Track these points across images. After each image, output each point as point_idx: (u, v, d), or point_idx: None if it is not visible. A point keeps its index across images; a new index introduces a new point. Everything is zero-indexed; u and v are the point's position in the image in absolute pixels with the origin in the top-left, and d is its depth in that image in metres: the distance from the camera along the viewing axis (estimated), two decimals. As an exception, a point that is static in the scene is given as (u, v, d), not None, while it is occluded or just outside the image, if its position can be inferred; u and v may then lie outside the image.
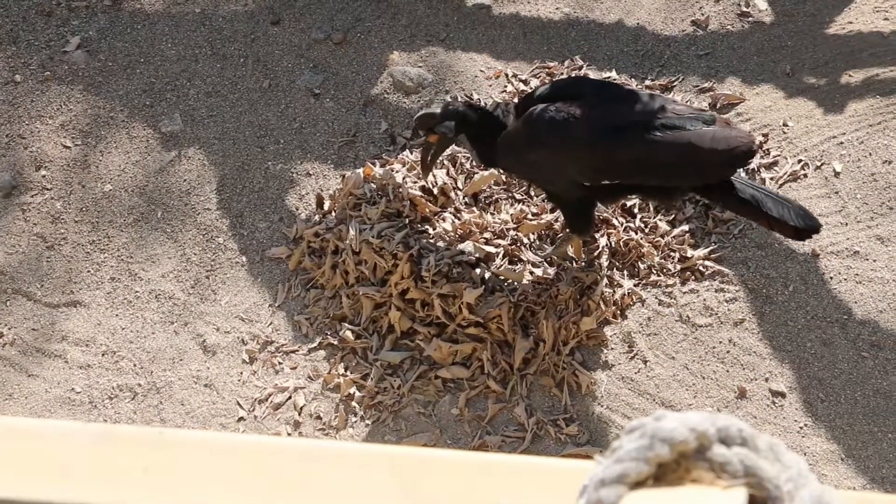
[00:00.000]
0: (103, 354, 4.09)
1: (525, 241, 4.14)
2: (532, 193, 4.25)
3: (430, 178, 4.16)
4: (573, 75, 4.56)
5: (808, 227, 3.56)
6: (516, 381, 3.92)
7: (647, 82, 4.57)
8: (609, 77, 4.58)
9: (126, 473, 1.12)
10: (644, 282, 4.10)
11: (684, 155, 3.48)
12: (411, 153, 4.38)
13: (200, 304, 4.19)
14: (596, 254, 4.09)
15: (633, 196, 3.99)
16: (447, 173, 4.24)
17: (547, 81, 4.56)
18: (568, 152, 3.63)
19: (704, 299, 4.06)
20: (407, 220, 4.13)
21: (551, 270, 4.06)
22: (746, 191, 3.57)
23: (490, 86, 4.61)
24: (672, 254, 4.16)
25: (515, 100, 4.38)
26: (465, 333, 3.98)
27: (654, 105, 3.57)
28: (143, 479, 1.12)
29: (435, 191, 4.20)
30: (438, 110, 3.89)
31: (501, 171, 4.19)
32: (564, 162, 3.65)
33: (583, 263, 4.07)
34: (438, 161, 4.09)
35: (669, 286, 4.09)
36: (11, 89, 4.70)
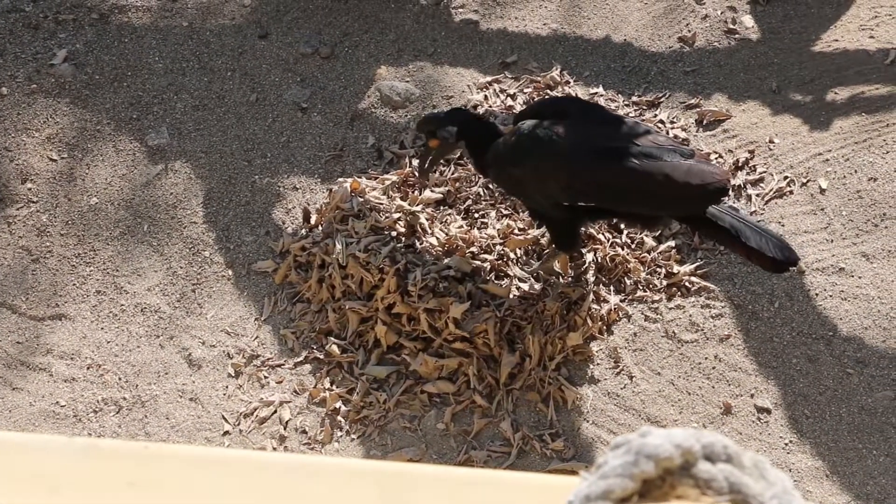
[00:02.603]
0: (88, 368, 4.08)
1: (512, 256, 4.14)
2: (518, 209, 4.25)
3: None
4: (562, 94, 4.57)
5: (785, 259, 3.52)
6: (502, 395, 3.92)
7: (634, 98, 4.58)
8: (596, 92, 4.60)
9: (111, 488, 1.12)
10: (630, 297, 4.11)
11: (659, 185, 3.47)
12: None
13: (186, 318, 4.18)
14: (582, 269, 4.10)
15: (614, 220, 4.01)
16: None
17: (535, 97, 4.58)
18: (548, 170, 3.64)
19: (690, 315, 4.06)
20: (394, 234, 4.13)
21: (538, 285, 4.06)
22: (725, 219, 3.55)
23: (479, 103, 4.62)
24: (658, 269, 4.16)
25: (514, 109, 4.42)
26: (451, 348, 3.98)
27: (636, 132, 3.58)
28: (127, 493, 1.12)
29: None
30: (443, 112, 3.92)
31: (491, 182, 4.22)
32: (545, 180, 3.66)
33: (569, 279, 4.07)
34: (438, 164, 4.12)
35: (655, 302, 4.10)
36: (-2, 102, 4.70)
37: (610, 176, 3.54)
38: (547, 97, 4.46)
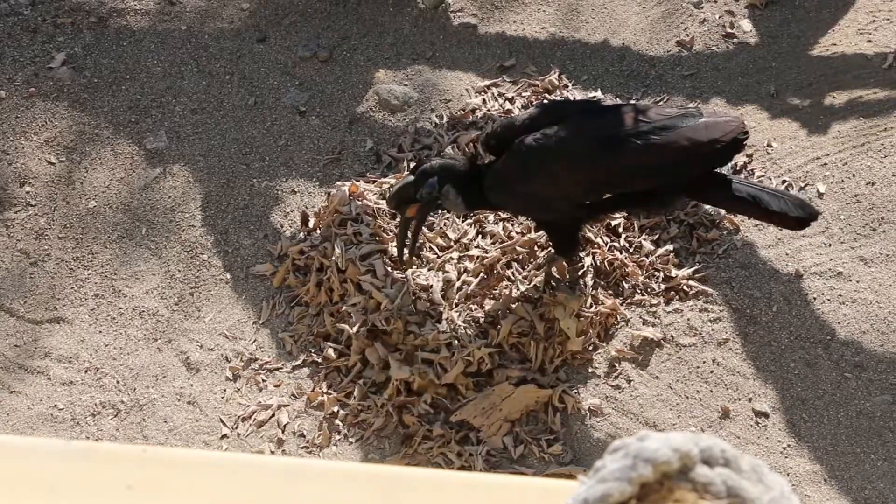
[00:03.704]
0: (86, 371, 4.08)
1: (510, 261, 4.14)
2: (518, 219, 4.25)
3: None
4: (553, 100, 4.56)
5: (808, 215, 3.66)
6: (500, 399, 3.92)
7: (633, 102, 4.59)
8: (594, 96, 4.60)
9: (109, 491, 1.12)
10: (628, 301, 4.11)
11: (686, 149, 3.54)
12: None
13: (184, 321, 4.18)
14: (580, 273, 4.09)
15: (628, 209, 4.00)
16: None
17: (533, 100, 4.58)
18: (568, 174, 3.62)
19: (688, 319, 4.06)
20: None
21: (536, 291, 4.06)
22: (742, 189, 3.64)
23: (477, 107, 4.62)
24: (656, 273, 4.16)
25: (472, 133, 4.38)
26: (449, 352, 3.98)
27: (642, 112, 3.62)
28: (126, 496, 1.12)
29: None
30: (411, 177, 3.74)
31: (488, 210, 4.14)
32: (565, 185, 3.65)
33: (567, 283, 4.07)
34: (421, 233, 3.95)
35: (654, 306, 4.10)
36: (-4, 105, 4.70)
37: (637, 157, 3.55)
38: (537, 107, 4.35)
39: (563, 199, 3.69)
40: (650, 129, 3.55)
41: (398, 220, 3.94)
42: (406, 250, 3.90)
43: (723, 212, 4.21)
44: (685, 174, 3.64)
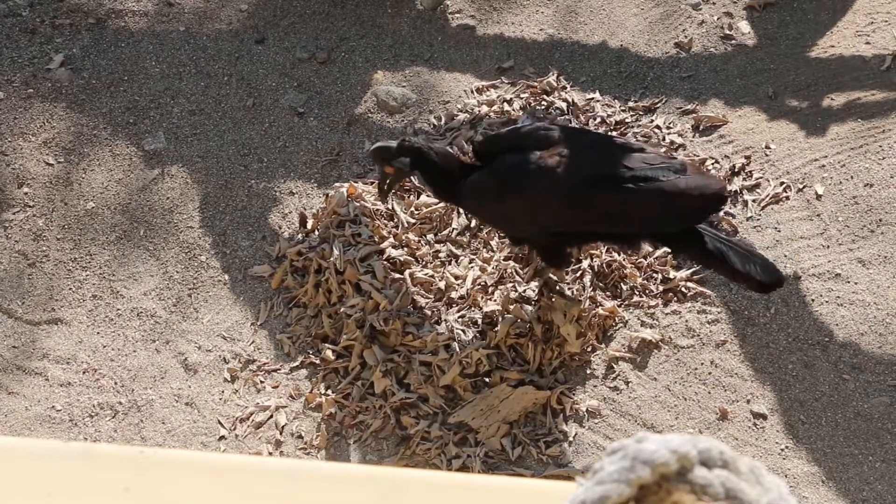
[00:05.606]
0: (84, 372, 4.07)
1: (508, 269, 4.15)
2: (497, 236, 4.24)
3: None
4: (559, 99, 4.56)
5: (772, 281, 3.59)
6: (498, 401, 3.92)
7: (631, 104, 4.59)
8: (592, 98, 4.60)
9: (107, 492, 1.12)
10: (626, 303, 4.11)
11: (658, 205, 3.51)
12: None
13: (182, 323, 4.18)
14: (579, 275, 4.09)
15: (600, 243, 4.00)
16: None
17: (531, 102, 4.57)
18: (541, 203, 3.61)
19: (687, 321, 4.06)
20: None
21: (534, 293, 4.06)
22: (711, 243, 3.58)
23: (474, 106, 4.62)
24: (655, 275, 4.16)
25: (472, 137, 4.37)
26: (447, 353, 3.98)
27: (625, 154, 3.58)
28: (123, 497, 1.12)
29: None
30: (394, 144, 3.81)
31: (462, 210, 4.17)
32: (536, 212, 3.64)
33: (566, 286, 4.07)
34: (396, 187, 4.05)
35: (652, 307, 4.10)
36: (-6, 106, 4.70)
37: (608, 203, 3.54)
38: (525, 126, 4.26)
39: (533, 225, 3.70)
40: (628, 177, 3.51)
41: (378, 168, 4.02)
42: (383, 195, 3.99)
43: (721, 213, 4.21)
44: (653, 226, 3.63)
